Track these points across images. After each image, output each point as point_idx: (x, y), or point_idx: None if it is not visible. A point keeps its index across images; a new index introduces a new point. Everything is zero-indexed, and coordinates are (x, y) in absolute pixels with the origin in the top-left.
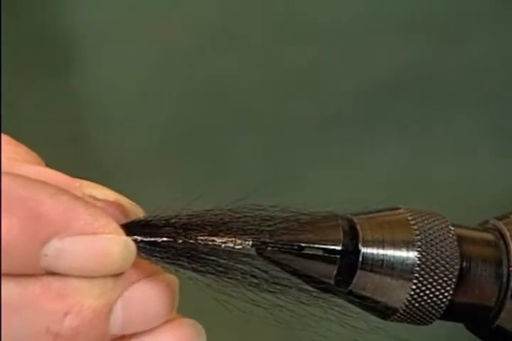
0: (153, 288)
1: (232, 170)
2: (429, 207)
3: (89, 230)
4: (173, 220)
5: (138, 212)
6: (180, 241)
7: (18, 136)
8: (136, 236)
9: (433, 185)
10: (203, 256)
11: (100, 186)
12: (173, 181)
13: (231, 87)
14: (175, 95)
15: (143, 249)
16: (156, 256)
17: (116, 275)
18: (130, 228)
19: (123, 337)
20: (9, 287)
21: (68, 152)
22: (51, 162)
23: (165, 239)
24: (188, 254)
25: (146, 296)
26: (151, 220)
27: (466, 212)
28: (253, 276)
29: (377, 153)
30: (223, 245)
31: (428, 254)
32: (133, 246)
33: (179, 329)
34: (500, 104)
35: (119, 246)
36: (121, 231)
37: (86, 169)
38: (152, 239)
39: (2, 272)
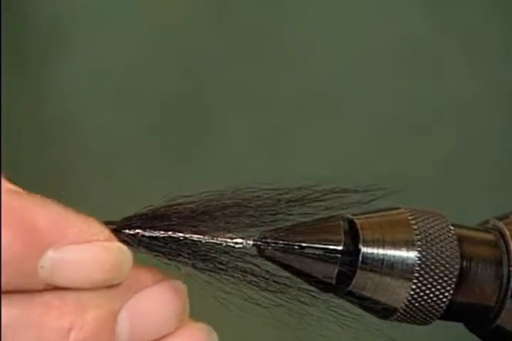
0: (159, 295)
1: (230, 151)
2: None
3: (83, 238)
4: (174, 214)
5: None
6: (181, 237)
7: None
8: (138, 231)
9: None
10: (203, 253)
11: None
12: (168, 171)
13: (221, 66)
14: (165, 78)
15: (143, 243)
16: (156, 251)
17: (116, 285)
18: (131, 222)
19: None
20: (10, 310)
21: (61, 141)
22: (47, 154)
23: (165, 234)
24: (189, 251)
25: (153, 304)
26: (151, 214)
27: None
28: (253, 275)
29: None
30: (224, 244)
31: (428, 254)
32: (129, 253)
33: (190, 336)
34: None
35: (115, 253)
36: (114, 238)
37: (80, 160)
38: (153, 234)
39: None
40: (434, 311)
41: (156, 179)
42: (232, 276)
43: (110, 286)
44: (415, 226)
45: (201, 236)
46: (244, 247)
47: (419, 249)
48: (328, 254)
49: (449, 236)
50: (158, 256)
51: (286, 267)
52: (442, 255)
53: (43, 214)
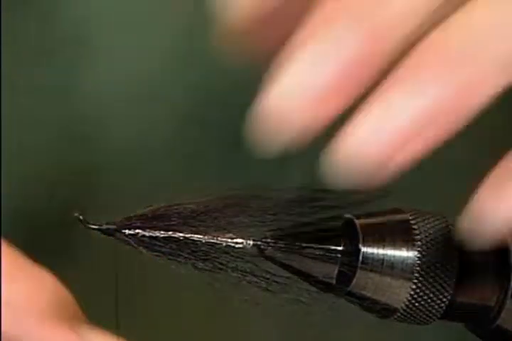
0: None
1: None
2: None
3: None
4: (174, 214)
5: None
6: (181, 237)
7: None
8: (138, 230)
9: None
10: (203, 253)
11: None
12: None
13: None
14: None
15: (144, 243)
16: (156, 251)
17: None
18: (131, 222)
19: None
20: None
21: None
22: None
23: (165, 234)
24: (189, 251)
25: None
26: (151, 214)
27: None
28: (253, 275)
29: None
30: (224, 244)
31: (428, 254)
32: None
33: None
34: None
35: None
36: None
37: (83, 160)
38: (153, 234)
39: None
40: (434, 311)
41: (153, 177)
42: (232, 276)
43: None
44: (415, 226)
45: (201, 236)
46: (244, 247)
47: (419, 249)
48: (328, 254)
49: (449, 236)
50: (159, 256)
51: (286, 267)
52: (442, 255)
53: None
